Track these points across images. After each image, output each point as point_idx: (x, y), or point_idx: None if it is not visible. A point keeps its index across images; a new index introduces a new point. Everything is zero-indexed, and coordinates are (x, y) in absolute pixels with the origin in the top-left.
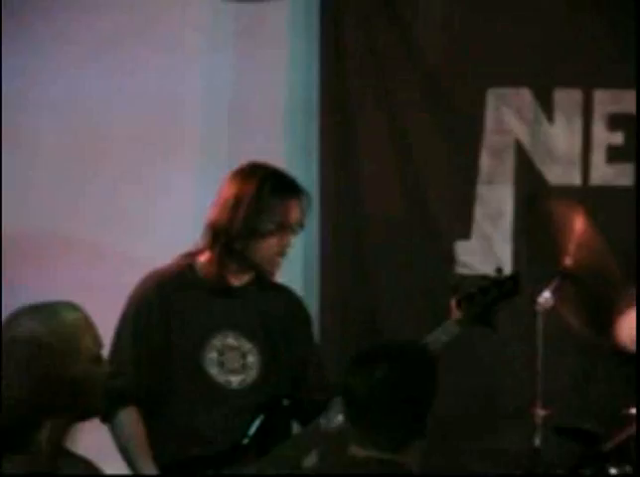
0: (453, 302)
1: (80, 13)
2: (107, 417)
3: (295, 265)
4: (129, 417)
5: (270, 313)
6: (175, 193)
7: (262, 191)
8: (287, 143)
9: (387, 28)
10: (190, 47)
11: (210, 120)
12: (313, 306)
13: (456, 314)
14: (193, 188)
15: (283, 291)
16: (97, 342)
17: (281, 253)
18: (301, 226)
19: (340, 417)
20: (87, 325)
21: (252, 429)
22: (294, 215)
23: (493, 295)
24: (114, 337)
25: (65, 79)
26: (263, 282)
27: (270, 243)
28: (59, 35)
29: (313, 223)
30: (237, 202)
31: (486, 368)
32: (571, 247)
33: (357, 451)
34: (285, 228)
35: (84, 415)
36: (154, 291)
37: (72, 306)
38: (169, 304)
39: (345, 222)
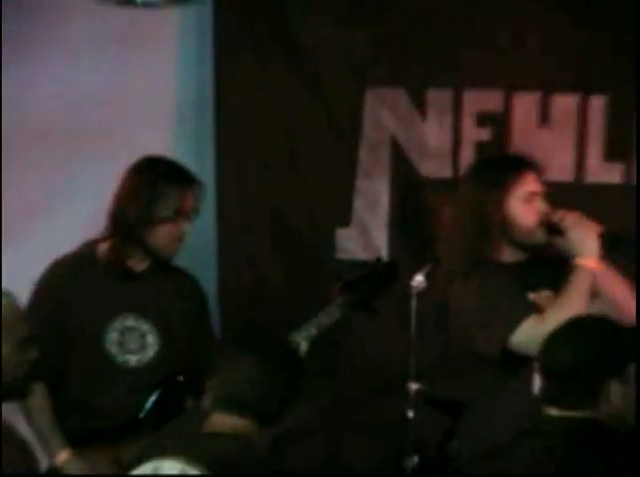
0: (336, 288)
1: None
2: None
3: (193, 251)
4: (38, 392)
5: (168, 295)
6: (79, 185)
7: (159, 181)
8: (179, 137)
9: (274, 34)
10: (87, 48)
11: (110, 118)
12: (211, 290)
13: (338, 299)
14: (96, 180)
15: (180, 274)
16: (28, 327)
17: (179, 239)
18: (196, 212)
19: None
20: (18, 311)
21: (149, 404)
22: (189, 202)
23: (372, 282)
24: None
25: None
26: (162, 266)
27: (168, 230)
28: None
29: (210, 212)
30: (135, 192)
31: (364, 347)
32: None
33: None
34: (181, 215)
35: (6, 395)
36: (57, 277)
37: (3, 293)
38: (71, 288)
39: (238, 211)
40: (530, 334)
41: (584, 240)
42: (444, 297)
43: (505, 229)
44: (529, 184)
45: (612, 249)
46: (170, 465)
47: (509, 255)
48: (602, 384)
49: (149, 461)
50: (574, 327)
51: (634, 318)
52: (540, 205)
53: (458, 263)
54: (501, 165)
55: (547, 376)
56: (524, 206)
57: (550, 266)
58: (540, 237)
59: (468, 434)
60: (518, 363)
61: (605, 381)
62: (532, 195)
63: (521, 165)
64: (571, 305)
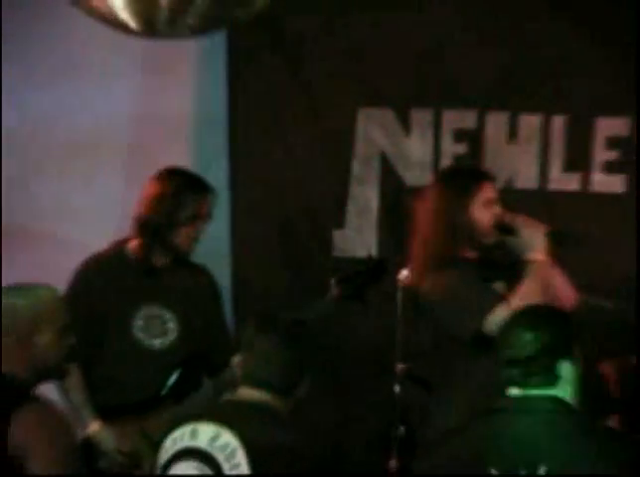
0: (332, 281)
1: None
2: None
3: (210, 251)
4: (73, 373)
5: (187, 288)
6: (108, 192)
7: (180, 189)
8: (197, 151)
9: (279, 63)
10: (114, 74)
11: (136, 134)
12: (225, 286)
13: (335, 291)
14: (123, 188)
15: (197, 269)
16: (67, 316)
17: (195, 239)
18: (210, 216)
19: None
20: (60, 302)
21: (170, 382)
22: (205, 208)
23: (364, 277)
24: None
25: None
26: (181, 262)
27: (187, 231)
28: None
29: (224, 216)
30: (160, 199)
31: (358, 332)
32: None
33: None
34: (198, 218)
35: (45, 376)
36: (91, 271)
37: (48, 287)
38: (103, 281)
39: (248, 216)
40: (503, 318)
41: (533, 238)
42: (417, 291)
43: (467, 230)
44: (487, 191)
45: (558, 245)
46: (206, 427)
47: (468, 254)
48: (557, 365)
49: (187, 424)
50: (529, 317)
51: (571, 304)
52: (495, 209)
53: (431, 261)
54: (464, 176)
55: (508, 362)
56: (483, 210)
57: (497, 263)
58: (493, 238)
59: (443, 409)
60: (489, 344)
61: (559, 362)
62: (489, 201)
63: (480, 176)
64: (531, 293)
